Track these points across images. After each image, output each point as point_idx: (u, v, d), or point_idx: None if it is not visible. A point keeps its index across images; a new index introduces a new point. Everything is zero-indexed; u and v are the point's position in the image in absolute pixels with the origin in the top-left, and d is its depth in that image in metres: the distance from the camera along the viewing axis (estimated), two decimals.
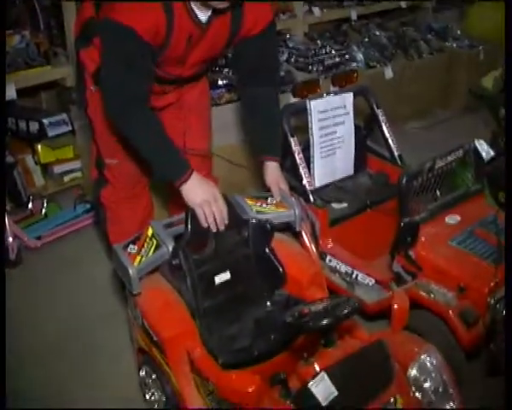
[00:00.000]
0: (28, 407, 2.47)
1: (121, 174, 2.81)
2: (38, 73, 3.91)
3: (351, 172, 3.28)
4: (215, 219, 2.39)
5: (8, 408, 2.03)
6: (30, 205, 4.08)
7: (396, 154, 3.22)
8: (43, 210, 4.09)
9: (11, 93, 3.69)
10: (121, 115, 2.39)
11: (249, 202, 2.54)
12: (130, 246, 2.37)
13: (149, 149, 2.42)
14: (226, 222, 2.41)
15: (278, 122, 2.85)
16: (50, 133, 4.11)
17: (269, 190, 2.68)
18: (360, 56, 4.85)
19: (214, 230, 2.39)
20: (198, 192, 2.38)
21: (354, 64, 4.73)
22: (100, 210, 2.97)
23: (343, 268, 2.88)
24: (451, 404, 1.99)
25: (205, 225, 2.38)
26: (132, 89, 2.34)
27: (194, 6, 2.39)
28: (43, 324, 3.21)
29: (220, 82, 3.93)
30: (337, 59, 4.58)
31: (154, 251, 2.33)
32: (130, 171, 2.80)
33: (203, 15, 2.42)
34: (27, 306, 3.34)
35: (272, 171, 2.69)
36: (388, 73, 4.94)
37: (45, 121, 4.09)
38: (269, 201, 2.60)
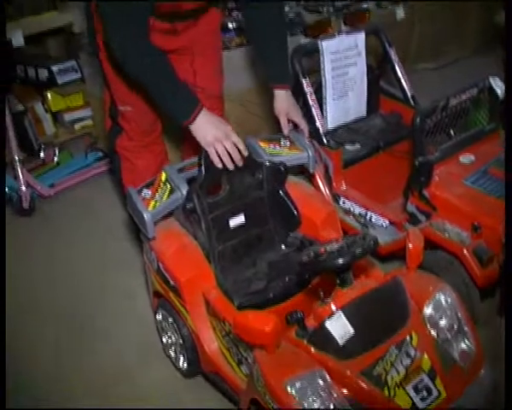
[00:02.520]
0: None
1: (135, 122, 2.76)
2: (46, 19, 3.88)
3: (363, 113, 3.25)
4: (231, 157, 2.35)
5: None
6: (42, 153, 4.09)
7: (409, 94, 3.18)
8: (55, 158, 4.11)
9: (19, 40, 3.66)
10: (124, 51, 2.33)
11: (262, 144, 2.53)
12: (145, 191, 2.37)
13: (155, 85, 2.36)
14: (245, 154, 2.37)
15: (284, 45, 2.71)
16: (60, 80, 4.10)
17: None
18: None
19: (230, 168, 2.36)
20: (209, 129, 2.33)
21: (365, 4, 4.64)
22: (115, 159, 2.94)
23: (357, 210, 2.87)
24: (466, 341, 2.00)
25: (219, 164, 2.34)
26: (131, 22, 2.28)
27: None
28: (56, 270, 3.24)
29: (230, 25, 3.88)
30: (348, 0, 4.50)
31: (169, 196, 2.34)
32: (144, 118, 2.75)
33: None
34: (42, 252, 3.38)
35: (281, 99, 2.64)
36: (400, 13, 4.85)
37: (54, 68, 4.07)
38: (282, 143, 2.58)
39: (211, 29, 2.75)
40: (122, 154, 2.86)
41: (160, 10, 2.48)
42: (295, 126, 2.72)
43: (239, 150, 2.37)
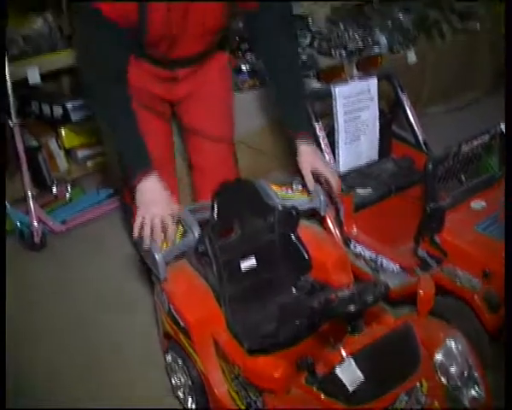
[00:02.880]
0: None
1: None
2: (62, 57, 3.92)
3: (375, 157, 3.27)
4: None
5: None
6: (54, 189, 4.12)
7: (421, 139, 3.20)
8: (68, 194, 4.13)
9: (35, 77, 3.72)
10: (86, 93, 2.37)
11: (274, 188, 2.54)
12: None
13: (111, 134, 2.40)
14: (170, 238, 2.34)
15: (300, 90, 2.65)
16: (74, 117, 4.15)
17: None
18: (383, 40, 4.81)
19: (146, 244, 2.32)
20: (149, 196, 2.34)
21: (377, 48, 4.70)
22: (126, 208, 2.96)
23: (367, 254, 2.87)
24: (476, 388, 2.00)
25: (136, 233, 2.34)
26: (99, 68, 2.28)
27: None
28: (65, 306, 3.24)
29: (243, 67, 3.92)
30: (360, 43, 4.55)
31: (181, 237, 2.35)
32: None
33: None
34: (51, 288, 3.39)
35: (303, 151, 2.56)
36: (411, 57, 4.90)
37: (69, 105, 4.13)
38: (294, 187, 2.60)
39: (217, 74, 2.73)
40: (131, 203, 2.84)
41: (154, 56, 2.48)
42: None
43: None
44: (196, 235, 2.33)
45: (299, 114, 2.62)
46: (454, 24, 5.46)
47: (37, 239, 3.71)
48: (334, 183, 2.59)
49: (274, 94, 2.67)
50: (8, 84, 3.50)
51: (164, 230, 2.32)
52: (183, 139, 2.96)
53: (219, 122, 2.83)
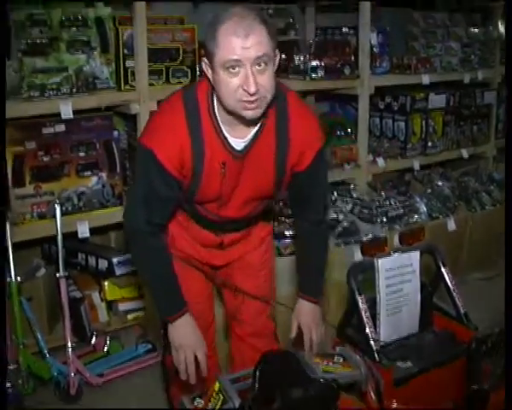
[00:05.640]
0: None
1: None
2: (111, 213, 4.07)
3: (416, 329, 3.24)
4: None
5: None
6: (93, 341, 4.14)
7: (462, 312, 3.19)
8: (106, 347, 4.13)
9: (84, 231, 3.85)
10: (128, 237, 2.46)
11: (316, 359, 2.55)
12: (197, 399, 2.40)
13: (147, 277, 2.50)
14: (193, 380, 2.44)
15: (322, 263, 2.86)
16: (118, 272, 4.23)
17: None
18: (423, 208, 4.88)
19: (183, 378, 2.46)
20: (181, 335, 2.46)
21: (417, 216, 4.77)
22: (164, 370, 3.04)
23: None
24: None
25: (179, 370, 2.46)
26: (146, 215, 2.34)
27: (227, 133, 2.31)
28: None
29: (287, 233, 3.99)
30: (401, 210, 4.63)
31: (221, 407, 2.35)
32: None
33: (238, 143, 2.33)
34: None
35: (305, 311, 2.78)
36: (451, 225, 4.96)
37: (114, 260, 4.22)
38: (335, 359, 2.60)
39: (258, 244, 2.88)
40: (171, 369, 2.82)
41: (203, 214, 2.58)
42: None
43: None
44: (236, 405, 2.32)
45: (317, 285, 2.86)
46: (493, 194, 5.54)
47: (72, 391, 3.70)
48: (316, 339, 2.81)
49: (297, 260, 2.92)
50: (59, 237, 3.61)
51: (197, 364, 2.44)
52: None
53: (257, 286, 2.90)
